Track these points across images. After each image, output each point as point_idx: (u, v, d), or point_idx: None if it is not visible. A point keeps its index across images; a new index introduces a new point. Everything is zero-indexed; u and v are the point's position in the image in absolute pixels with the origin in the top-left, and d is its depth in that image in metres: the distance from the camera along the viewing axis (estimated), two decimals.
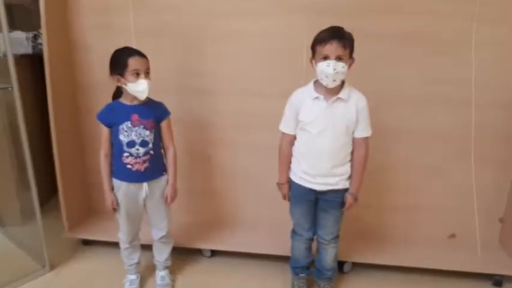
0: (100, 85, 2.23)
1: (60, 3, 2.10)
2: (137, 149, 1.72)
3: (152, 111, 1.76)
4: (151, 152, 1.76)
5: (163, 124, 1.80)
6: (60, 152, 2.14)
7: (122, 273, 2.03)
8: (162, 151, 1.84)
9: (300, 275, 1.98)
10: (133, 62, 1.64)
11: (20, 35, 2.36)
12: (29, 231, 2.28)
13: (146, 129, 1.73)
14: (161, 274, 2.02)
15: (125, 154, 1.73)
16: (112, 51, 2.12)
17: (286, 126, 1.74)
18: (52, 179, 2.19)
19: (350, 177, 1.73)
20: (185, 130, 2.21)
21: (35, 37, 2.38)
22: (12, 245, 2.34)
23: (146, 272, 2.09)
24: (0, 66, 1.91)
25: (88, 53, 2.21)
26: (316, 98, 1.63)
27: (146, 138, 1.73)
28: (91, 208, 2.46)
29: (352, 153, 1.71)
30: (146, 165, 1.75)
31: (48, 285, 2.02)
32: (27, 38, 2.37)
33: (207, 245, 2.22)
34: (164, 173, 1.85)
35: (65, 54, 2.17)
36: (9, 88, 1.84)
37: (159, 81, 2.20)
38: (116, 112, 1.73)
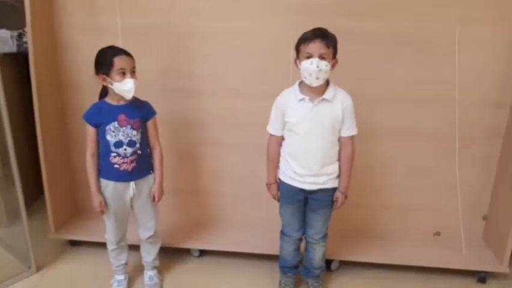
0: (86, 85, 2.21)
1: (45, 2, 2.07)
2: (125, 149, 1.72)
3: (139, 111, 1.75)
4: (139, 151, 1.75)
5: (149, 123, 1.80)
6: (46, 152, 2.12)
7: (109, 273, 2.02)
8: (148, 150, 1.84)
9: (288, 274, 1.99)
10: (118, 61, 1.63)
11: (4, 33, 2.32)
12: (14, 232, 2.25)
13: (134, 129, 1.72)
14: (149, 274, 2.01)
15: (113, 154, 1.72)
16: (97, 51, 2.12)
17: (273, 128, 1.76)
18: (38, 179, 2.17)
19: (338, 176, 1.75)
20: (173, 130, 2.21)
21: (20, 36, 2.34)
22: None
23: (134, 272, 2.09)
24: None
25: (74, 53, 2.18)
26: (302, 99, 1.64)
27: (134, 138, 1.73)
28: (78, 208, 2.44)
29: (339, 152, 1.73)
30: (133, 164, 1.75)
31: (35, 287, 2.00)
32: (11, 37, 2.33)
33: (195, 245, 2.22)
34: (151, 172, 1.85)
35: (50, 53, 2.14)
36: None
37: (146, 81, 2.18)
38: (103, 112, 1.71)
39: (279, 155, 1.78)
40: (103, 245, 2.22)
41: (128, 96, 1.68)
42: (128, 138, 1.72)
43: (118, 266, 1.96)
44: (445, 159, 2.14)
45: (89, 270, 2.14)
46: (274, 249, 2.05)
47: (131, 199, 1.82)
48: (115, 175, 1.75)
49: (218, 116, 2.20)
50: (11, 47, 2.34)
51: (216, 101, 2.17)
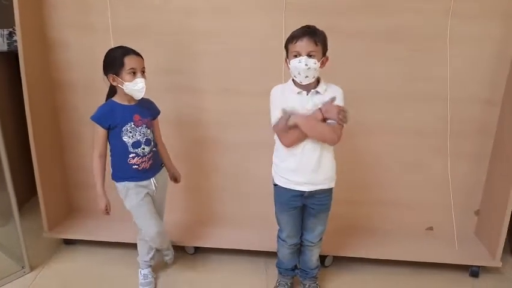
0: (78, 83, 2.20)
1: (35, 0, 2.05)
2: (143, 148, 1.75)
3: (149, 110, 1.80)
4: (154, 149, 1.81)
5: (156, 121, 1.87)
6: (39, 151, 2.10)
7: (104, 272, 2.02)
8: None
9: (285, 275, 1.99)
10: (129, 61, 1.64)
11: None
12: (8, 232, 2.23)
13: (148, 128, 1.76)
14: (143, 272, 2.01)
15: (131, 155, 1.73)
16: (89, 49, 2.12)
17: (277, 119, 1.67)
18: (31, 178, 2.15)
19: (334, 176, 1.73)
20: (168, 128, 2.19)
21: (11, 34, 2.32)
22: None
23: (129, 270, 2.08)
24: None
25: (65, 51, 2.16)
26: (299, 92, 1.62)
27: (149, 137, 1.77)
28: (72, 207, 2.44)
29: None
30: (150, 162, 1.79)
31: (29, 287, 1.99)
32: (1, 35, 2.30)
33: (190, 242, 2.22)
34: (162, 164, 1.92)
35: (41, 51, 2.12)
36: None
37: None
38: (116, 113, 1.71)
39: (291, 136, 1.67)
40: (97, 243, 2.23)
41: (139, 96, 1.69)
42: (145, 138, 1.75)
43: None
44: (437, 155, 2.15)
45: (84, 269, 2.13)
46: (269, 246, 2.06)
47: (153, 194, 1.85)
48: (136, 175, 1.76)
49: (213, 114, 2.19)
50: (1, 45, 2.33)
51: (210, 99, 2.17)
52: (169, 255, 2.10)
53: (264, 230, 2.06)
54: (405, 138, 2.14)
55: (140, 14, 2.07)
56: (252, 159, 2.20)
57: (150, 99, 1.84)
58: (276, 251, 1.97)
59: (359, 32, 1.99)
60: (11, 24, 2.24)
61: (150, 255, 2.01)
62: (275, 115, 1.65)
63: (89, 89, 2.16)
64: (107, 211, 1.79)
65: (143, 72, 1.68)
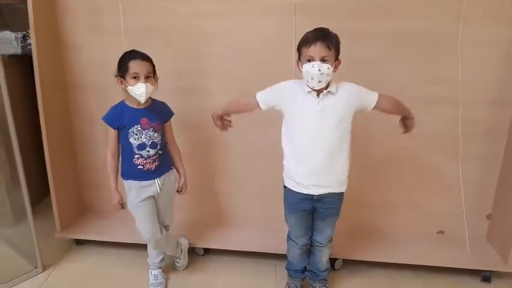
0: (90, 85, 2.22)
1: (48, 3, 2.08)
2: (148, 151, 1.78)
3: (159, 114, 1.81)
4: (160, 151, 1.82)
5: (167, 124, 1.88)
6: (52, 151, 2.13)
7: (115, 272, 2.03)
8: (167, 147, 1.89)
9: (295, 277, 1.99)
10: (132, 66, 1.67)
11: (9, 35, 2.34)
12: (21, 232, 2.26)
13: (155, 132, 1.78)
14: (154, 273, 2.03)
15: (136, 156, 1.77)
16: (101, 51, 2.15)
17: (263, 98, 1.68)
18: (45, 178, 2.18)
19: (345, 180, 1.71)
20: (177, 129, 2.21)
21: (25, 37, 2.35)
22: (5, 246, 2.33)
23: (139, 270, 2.10)
24: None
25: (78, 53, 2.19)
26: (309, 92, 1.60)
27: (155, 140, 1.79)
28: (84, 208, 2.46)
29: (387, 112, 1.71)
30: (156, 163, 1.81)
31: (41, 286, 2.02)
32: (16, 38, 2.34)
33: (200, 244, 2.23)
34: (171, 167, 1.91)
35: (54, 54, 2.15)
36: None
37: None
38: (125, 115, 1.75)
39: (243, 109, 1.76)
40: (108, 244, 2.25)
41: (141, 100, 1.71)
42: (151, 141, 1.77)
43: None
44: (448, 158, 2.13)
45: (95, 269, 2.15)
46: (278, 249, 2.06)
47: (156, 196, 1.87)
48: (140, 175, 1.80)
49: None
50: (15, 48, 2.36)
51: (220, 101, 2.14)
52: (179, 263, 2.11)
53: (273, 232, 2.06)
54: (416, 141, 2.11)
55: (152, 16, 2.09)
56: (262, 160, 2.19)
57: (164, 102, 1.86)
58: (285, 253, 1.97)
59: (369, 35, 1.98)
60: (25, 27, 2.28)
61: (160, 258, 2.03)
62: (266, 92, 1.68)
63: (101, 91, 2.18)
64: (121, 206, 1.85)
65: (148, 77, 1.69)
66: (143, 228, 1.86)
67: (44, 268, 2.13)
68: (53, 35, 2.14)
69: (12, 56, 2.36)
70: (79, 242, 2.34)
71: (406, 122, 1.74)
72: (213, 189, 2.35)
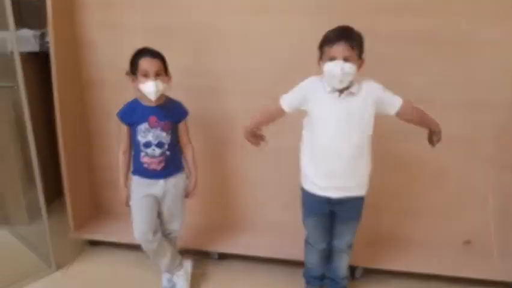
0: (107, 83, 2.22)
1: (67, 1, 2.08)
2: (153, 150, 1.75)
3: (170, 113, 1.78)
4: (167, 152, 1.78)
5: (181, 124, 1.83)
6: (67, 150, 2.13)
7: (128, 274, 2.01)
8: (179, 149, 1.86)
9: (312, 284, 1.93)
10: (142, 63, 1.66)
11: (27, 33, 2.36)
12: (35, 231, 2.27)
13: (164, 131, 1.75)
14: (166, 276, 1.99)
15: (142, 154, 1.77)
16: (119, 49, 2.15)
17: (287, 102, 1.65)
18: (59, 178, 2.18)
19: (365, 183, 1.66)
20: (196, 130, 2.17)
21: (42, 35, 2.37)
22: (19, 244, 2.34)
23: (155, 273, 2.06)
24: (7, 64, 1.90)
25: (95, 51, 2.19)
26: (330, 91, 1.55)
27: (163, 140, 1.75)
28: (98, 209, 2.45)
29: (408, 121, 1.65)
30: (162, 164, 1.78)
31: (54, 285, 2.01)
32: (34, 36, 2.36)
33: (214, 248, 2.19)
34: (181, 170, 1.87)
35: (71, 51, 2.15)
36: (15, 87, 1.84)
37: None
38: (136, 112, 1.75)
39: (273, 117, 1.72)
40: (122, 245, 2.22)
41: (151, 97, 1.69)
42: (158, 140, 1.75)
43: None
44: (476, 163, 2.04)
45: (108, 270, 2.14)
46: (295, 255, 2.00)
47: (161, 198, 1.83)
48: (145, 173, 1.79)
49: (242, 116, 2.14)
50: (33, 46, 2.38)
51: (239, 100, 2.14)
52: (179, 276, 1.97)
53: (293, 239, 2.00)
54: (443, 146, 2.02)
55: (170, 14, 2.07)
56: (282, 164, 2.14)
57: (180, 101, 1.83)
58: (302, 260, 1.91)
59: (395, 35, 1.91)
60: (43, 25, 2.29)
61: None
62: (291, 95, 1.65)
63: (117, 89, 2.15)
64: (126, 202, 1.84)
65: (158, 74, 1.67)
66: (135, 226, 1.82)
67: (58, 267, 2.12)
68: (70, 32, 2.14)
69: (30, 54, 2.37)
70: (93, 243, 2.32)
71: (433, 137, 1.69)
72: (230, 192, 2.31)
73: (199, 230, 2.28)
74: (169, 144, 1.77)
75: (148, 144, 1.74)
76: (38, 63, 2.47)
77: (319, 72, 1.58)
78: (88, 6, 2.13)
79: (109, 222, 2.35)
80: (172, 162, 1.82)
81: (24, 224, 2.48)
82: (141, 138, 1.74)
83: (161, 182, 1.80)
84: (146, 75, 1.65)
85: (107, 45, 2.15)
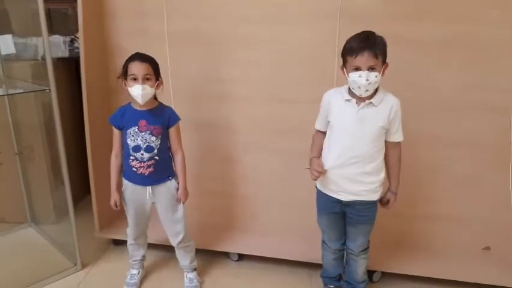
0: None
1: (96, 9, 2.15)
2: (142, 154, 1.76)
3: (160, 118, 1.77)
4: (156, 157, 1.77)
5: (172, 129, 1.81)
6: (94, 152, 2.18)
7: (150, 274, 2.06)
8: (169, 156, 1.85)
9: (329, 286, 1.95)
10: (131, 67, 1.68)
11: (57, 39, 2.43)
12: (62, 230, 2.33)
13: (153, 135, 1.75)
14: (189, 276, 2.03)
15: (131, 157, 1.78)
16: None
17: (318, 124, 1.74)
18: (86, 178, 2.23)
19: (377, 189, 1.67)
20: (215, 135, 2.23)
21: (72, 41, 2.44)
22: (46, 243, 2.40)
23: (175, 273, 2.10)
24: (39, 68, 1.97)
25: (123, 57, 2.17)
26: (348, 100, 1.59)
27: (152, 144, 1.75)
28: (123, 209, 2.47)
29: (385, 157, 1.66)
30: (150, 169, 1.78)
31: (79, 283, 2.06)
32: (64, 42, 2.44)
33: (234, 249, 2.22)
34: (170, 177, 1.85)
35: (100, 57, 2.22)
36: (47, 90, 1.90)
37: (191, 87, 2.22)
38: (126, 116, 1.77)
39: (321, 145, 1.74)
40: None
41: (139, 101, 1.69)
42: (146, 144, 1.75)
43: (134, 261, 2.04)
44: (497, 169, 2.03)
45: None
46: (313, 257, 2.02)
47: (152, 204, 1.87)
48: (133, 177, 1.81)
49: (259, 121, 2.19)
50: (63, 51, 2.46)
51: (258, 106, 2.17)
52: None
53: (311, 241, 2.01)
54: (463, 150, 2.04)
55: (194, 21, 2.12)
56: (296, 167, 2.16)
57: (171, 107, 1.84)
58: (321, 262, 1.94)
59: (415, 40, 1.93)
60: (72, 31, 2.37)
61: (193, 262, 2.04)
62: (318, 118, 1.73)
63: None
64: (116, 206, 1.88)
65: (147, 79, 1.68)
66: (129, 227, 1.94)
67: (83, 266, 2.17)
68: (99, 39, 2.21)
69: (60, 59, 2.46)
70: (117, 242, 2.37)
71: (387, 195, 1.71)
72: (250, 195, 2.34)
73: (219, 230, 2.31)
74: (159, 149, 1.77)
75: (136, 148, 1.75)
76: (68, 68, 2.56)
77: (338, 78, 1.61)
78: (117, 14, 2.19)
79: None
80: (161, 169, 1.81)
81: (52, 222, 2.55)
82: (130, 142, 1.75)
83: (148, 189, 1.81)
84: (135, 79, 1.67)
85: (135, 51, 2.20)
